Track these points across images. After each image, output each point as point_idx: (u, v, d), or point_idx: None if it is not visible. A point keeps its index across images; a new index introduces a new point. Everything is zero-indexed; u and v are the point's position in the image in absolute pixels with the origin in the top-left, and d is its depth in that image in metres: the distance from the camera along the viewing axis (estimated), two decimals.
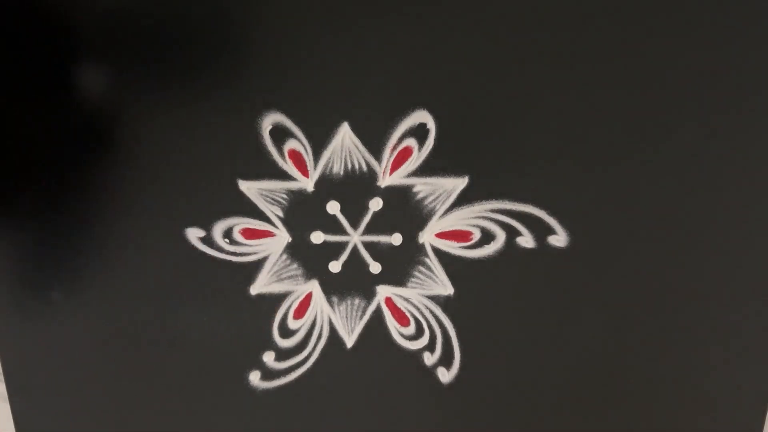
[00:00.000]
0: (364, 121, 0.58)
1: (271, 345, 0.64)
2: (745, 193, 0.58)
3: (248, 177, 0.60)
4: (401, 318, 0.63)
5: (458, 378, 0.64)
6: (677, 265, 0.61)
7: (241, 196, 0.61)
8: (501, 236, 0.61)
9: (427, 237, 0.61)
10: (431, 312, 0.63)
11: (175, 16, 0.56)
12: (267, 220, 0.61)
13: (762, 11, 0.53)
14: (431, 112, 0.57)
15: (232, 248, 0.62)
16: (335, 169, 0.60)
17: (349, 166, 0.60)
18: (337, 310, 0.64)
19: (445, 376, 0.65)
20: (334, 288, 0.63)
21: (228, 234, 0.62)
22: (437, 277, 0.62)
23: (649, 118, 0.57)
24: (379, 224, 0.61)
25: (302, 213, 0.61)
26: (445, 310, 0.63)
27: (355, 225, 0.61)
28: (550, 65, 0.56)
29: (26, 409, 0.67)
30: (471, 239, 0.61)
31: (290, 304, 0.64)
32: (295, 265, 0.63)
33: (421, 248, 0.61)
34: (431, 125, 0.58)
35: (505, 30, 0.55)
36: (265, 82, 0.57)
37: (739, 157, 0.57)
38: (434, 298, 0.63)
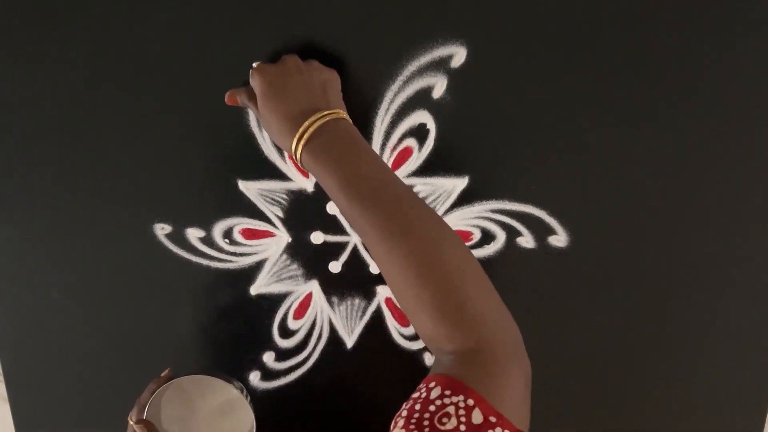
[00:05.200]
0: (364, 121, 0.58)
1: (271, 345, 0.64)
2: (745, 194, 0.58)
3: (248, 177, 0.60)
4: (401, 318, 0.63)
5: None
6: (677, 266, 0.61)
7: (241, 196, 0.61)
8: (501, 236, 0.61)
9: None
10: None
11: (177, 16, 0.56)
12: (267, 220, 0.61)
13: (762, 11, 0.53)
14: (431, 112, 0.57)
15: (232, 248, 0.62)
16: None
17: None
18: (337, 310, 0.64)
19: None
20: (334, 288, 0.63)
21: (228, 234, 0.62)
22: None
23: (649, 119, 0.57)
24: None
25: (302, 213, 0.61)
26: None
27: None
28: (550, 67, 0.56)
29: (26, 409, 0.67)
30: (471, 239, 0.61)
31: (290, 305, 0.64)
32: (295, 266, 0.63)
33: None
34: (431, 125, 0.58)
35: (506, 31, 0.55)
36: None
37: (739, 158, 0.57)
38: None
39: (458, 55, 0.55)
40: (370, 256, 0.45)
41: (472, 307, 0.40)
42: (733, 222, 0.59)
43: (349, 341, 0.64)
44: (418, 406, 0.36)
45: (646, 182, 0.58)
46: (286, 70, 0.50)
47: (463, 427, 0.34)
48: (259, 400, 0.65)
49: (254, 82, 0.51)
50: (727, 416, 0.65)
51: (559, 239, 0.60)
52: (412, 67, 0.56)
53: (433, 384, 0.37)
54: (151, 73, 0.57)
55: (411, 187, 0.47)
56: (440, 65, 0.56)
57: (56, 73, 0.57)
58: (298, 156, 0.47)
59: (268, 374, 0.65)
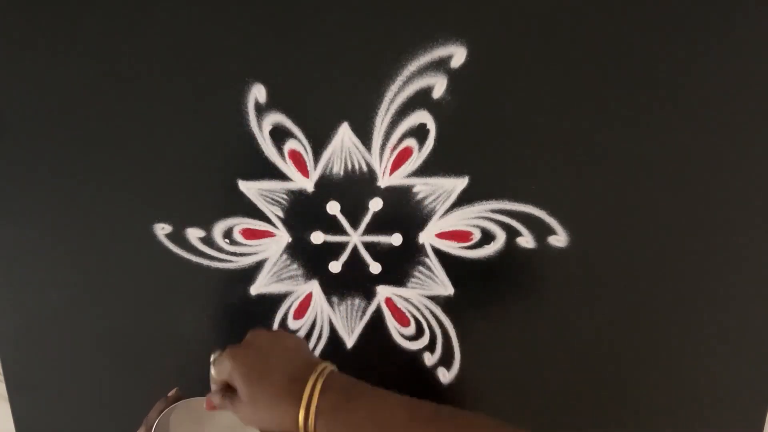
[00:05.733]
0: (364, 121, 0.58)
1: None
2: (745, 194, 0.58)
3: (248, 177, 0.60)
4: (401, 318, 0.63)
5: (458, 378, 0.64)
6: (677, 266, 0.61)
7: (241, 196, 0.61)
8: (501, 236, 0.61)
9: (427, 237, 0.61)
10: (431, 312, 0.63)
11: (178, 16, 0.56)
12: (267, 220, 0.61)
13: (761, 12, 0.53)
14: (431, 112, 0.57)
15: (232, 248, 0.62)
16: (335, 170, 0.60)
17: (349, 166, 0.60)
18: (337, 310, 0.64)
19: (445, 376, 0.65)
20: (334, 288, 0.63)
21: (228, 234, 0.62)
22: (437, 277, 0.62)
23: (649, 119, 0.57)
24: (379, 224, 0.61)
25: (302, 213, 0.61)
26: (445, 310, 0.63)
27: (355, 225, 0.61)
28: (550, 67, 0.56)
29: (26, 409, 0.67)
30: (471, 239, 0.61)
31: (290, 305, 0.64)
32: (295, 266, 0.63)
33: (421, 248, 0.61)
34: (431, 125, 0.58)
35: (506, 31, 0.55)
36: (265, 82, 0.58)
37: (739, 158, 0.57)
38: (434, 299, 0.63)
39: (458, 55, 0.55)
40: None
41: None
42: (733, 222, 0.59)
43: (349, 341, 0.64)
44: None
45: (645, 182, 0.58)
46: (260, 345, 0.46)
47: None
48: None
49: (227, 368, 0.46)
50: (727, 416, 0.65)
51: (559, 239, 0.60)
52: (412, 67, 0.56)
53: None
54: (151, 73, 0.57)
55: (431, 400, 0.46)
56: (440, 65, 0.56)
57: (57, 73, 0.57)
58: (311, 424, 0.43)
59: None
